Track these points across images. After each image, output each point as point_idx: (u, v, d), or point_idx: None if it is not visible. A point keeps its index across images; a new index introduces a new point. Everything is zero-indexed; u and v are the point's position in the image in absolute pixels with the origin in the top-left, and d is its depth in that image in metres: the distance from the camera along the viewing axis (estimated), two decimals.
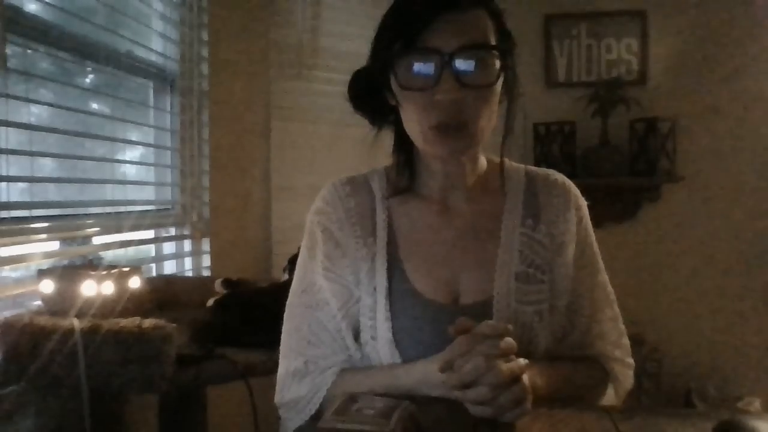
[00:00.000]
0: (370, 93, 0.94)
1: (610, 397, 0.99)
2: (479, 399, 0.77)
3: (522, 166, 1.02)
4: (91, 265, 1.37)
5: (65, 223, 1.50)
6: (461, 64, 0.82)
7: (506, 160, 1.00)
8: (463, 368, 0.77)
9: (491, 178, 0.99)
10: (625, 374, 1.01)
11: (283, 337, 0.99)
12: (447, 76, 0.82)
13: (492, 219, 0.96)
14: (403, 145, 0.98)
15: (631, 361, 1.02)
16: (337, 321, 0.94)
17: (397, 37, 0.85)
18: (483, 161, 1.00)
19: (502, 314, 0.90)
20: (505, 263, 0.93)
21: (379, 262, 0.93)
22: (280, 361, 0.98)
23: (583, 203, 1.01)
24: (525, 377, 0.79)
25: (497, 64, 0.85)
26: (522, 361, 0.79)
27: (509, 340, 0.79)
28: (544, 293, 0.93)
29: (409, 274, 0.93)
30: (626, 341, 1.02)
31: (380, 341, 0.90)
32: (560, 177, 1.01)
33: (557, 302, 0.94)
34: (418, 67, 0.84)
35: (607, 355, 0.99)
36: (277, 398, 0.97)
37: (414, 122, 0.88)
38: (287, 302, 1.00)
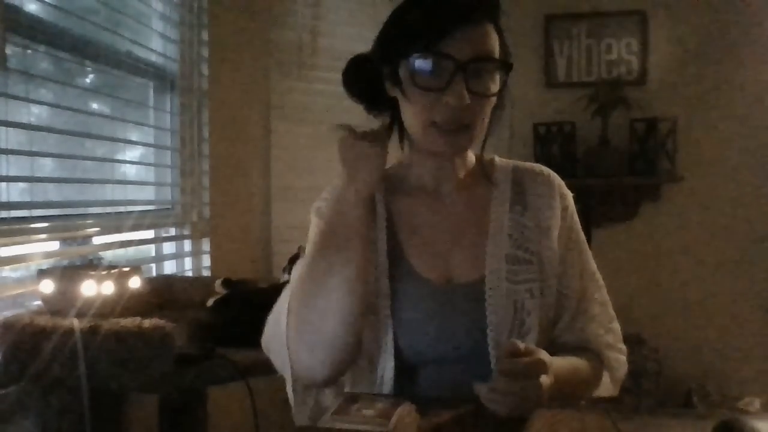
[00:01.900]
0: (367, 81, 0.98)
1: (605, 386, 1.02)
2: (511, 391, 0.80)
3: (510, 161, 1.08)
4: (91, 265, 1.37)
5: (65, 223, 1.50)
6: (472, 73, 0.89)
7: (495, 156, 1.07)
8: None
9: (480, 171, 1.05)
10: (619, 360, 1.04)
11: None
12: (458, 82, 0.88)
13: (482, 206, 1.02)
14: (401, 136, 1.03)
15: (623, 346, 1.05)
16: None
17: (416, 38, 0.90)
18: (472, 157, 1.06)
19: (494, 292, 0.95)
20: (496, 245, 0.98)
21: (380, 242, 0.98)
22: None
23: (568, 193, 1.05)
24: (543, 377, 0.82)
25: (500, 76, 0.92)
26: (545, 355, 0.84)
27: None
28: (534, 273, 0.98)
29: (407, 257, 0.99)
30: (617, 326, 1.06)
31: (380, 317, 0.95)
32: (545, 169, 1.07)
33: (546, 283, 0.98)
34: (433, 69, 0.89)
35: (599, 340, 1.02)
36: (264, 350, 1.00)
37: (417, 118, 0.93)
38: (291, 280, 1.03)
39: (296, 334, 0.90)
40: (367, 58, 0.97)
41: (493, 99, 0.93)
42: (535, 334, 0.95)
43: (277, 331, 0.93)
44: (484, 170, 1.05)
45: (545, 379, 0.81)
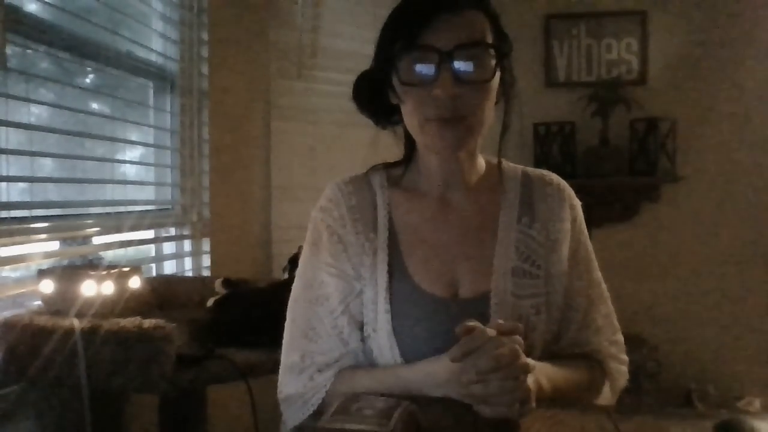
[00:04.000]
0: (374, 94, 0.97)
1: (605, 395, 1.01)
2: (488, 394, 0.77)
3: (519, 166, 1.06)
4: (91, 265, 1.37)
5: (65, 223, 1.49)
6: (458, 61, 0.86)
7: (504, 160, 1.04)
8: (485, 357, 0.78)
9: (489, 177, 1.03)
10: (620, 371, 1.03)
11: (284, 332, 1.00)
12: (445, 73, 0.86)
13: (489, 216, 0.99)
14: (408, 142, 1.02)
15: (625, 357, 1.04)
16: (335, 316, 0.95)
17: (398, 36, 0.89)
18: (481, 162, 1.04)
19: (500, 308, 0.92)
20: (502, 259, 0.95)
21: (380, 257, 0.95)
22: (281, 355, 1.00)
23: (577, 203, 1.04)
24: (530, 377, 0.80)
25: (493, 62, 0.89)
26: (530, 361, 0.80)
27: (519, 339, 0.81)
28: (540, 288, 0.96)
29: (409, 268, 0.96)
30: (620, 338, 1.04)
31: (380, 333, 0.93)
32: (555, 177, 1.04)
33: (553, 298, 0.96)
34: (418, 64, 0.88)
35: (603, 351, 1.01)
36: (279, 393, 0.99)
37: (413, 116, 0.92)
38: (290, 297, 1.02)
39: None
40: (371, 73, 0.97)
41: (491, 87, 0.90)
42: (538, 351, 0.93)
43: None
44: (494, 176, 1.02)
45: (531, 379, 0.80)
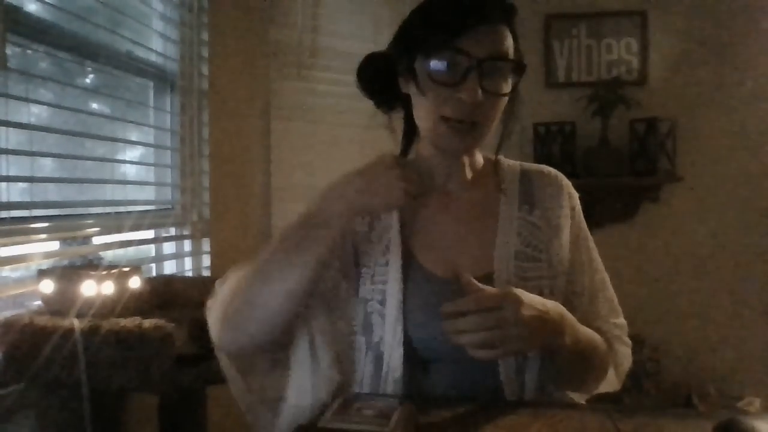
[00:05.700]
0: (381, 78, 1.00)
1: (610, 379, 1.02)
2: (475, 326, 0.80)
3: (517, 162, 1.09)
4: (91, 265, 1.37)
5: (65, 223, 1.50)
6: (486, 71, 0.90)
7: (502, 157, 1.08)
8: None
9: (488, 172, 1.06)
10: (625, 354, 1.06)
11: None
12: (472, 78, 0.89)
13: (490, 205, 1.02)
14: (408, 132, 1.05)
15: (629, 341, 1.07)
16: (336, 281, 0.98)
17: (434, 33, 0.91)
18: (480, 158, 1.07)
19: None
20: (505, 242, 0.98)
21: (394, 241, 0.98)
22: None
23: (575, 194, 1.07)
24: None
25: (514, 77, 0.94)
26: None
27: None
28: (543, 271, 0.98)
29: (415, 252, 0.99)
30: (623, 321, 1.08)
31: (389, 308, 0.94)
32: (552, 170, 1.08)
33: (556, 281, 0.99)
34: (449, 65, 0.90)
35: (608, 333, 1.03)
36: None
37: (429, 112, 0.94)
38: None
39: (242, 305, 0.95)
40: (381, 56, 1.00)
41: (504, 100, 0.94)
42: None
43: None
44: (493, 170, 1.06)
45: (527, 311, 0.82)
